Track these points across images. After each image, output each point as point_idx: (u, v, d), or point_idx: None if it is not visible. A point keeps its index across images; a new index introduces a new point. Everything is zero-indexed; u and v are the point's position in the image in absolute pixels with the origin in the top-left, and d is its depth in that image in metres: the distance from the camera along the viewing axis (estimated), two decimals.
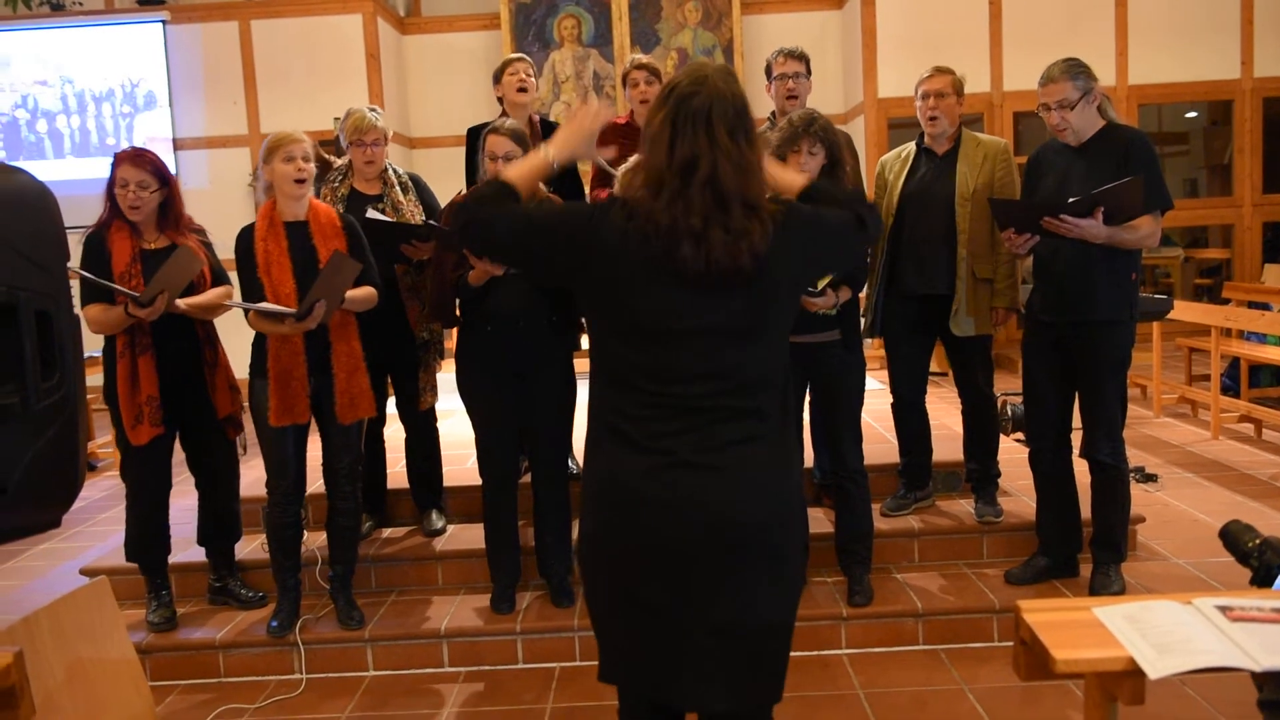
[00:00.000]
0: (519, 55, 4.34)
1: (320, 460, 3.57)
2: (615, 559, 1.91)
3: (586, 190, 4.60)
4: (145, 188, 3.43)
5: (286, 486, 3.49)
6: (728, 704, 1.91)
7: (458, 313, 3.60)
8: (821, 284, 3.33)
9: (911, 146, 3.98)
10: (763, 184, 1.89)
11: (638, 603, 1.89)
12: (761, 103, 8.42)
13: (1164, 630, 1.60)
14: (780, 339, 1.94)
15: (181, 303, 3.41)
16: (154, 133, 8.71)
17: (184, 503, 4.02)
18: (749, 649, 1.90)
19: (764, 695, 1.96)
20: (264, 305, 3.29)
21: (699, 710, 1.96)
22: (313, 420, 3.50)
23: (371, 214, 3.73)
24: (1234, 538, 2.18)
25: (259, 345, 3.43)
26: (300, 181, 3.36)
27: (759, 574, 1.88)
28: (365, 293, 3.46)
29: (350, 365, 3.45)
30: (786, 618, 1.97)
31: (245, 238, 3.43)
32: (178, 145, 8.74)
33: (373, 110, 3.89)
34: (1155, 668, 1.51)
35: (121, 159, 3.45)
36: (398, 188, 3.99)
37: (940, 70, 3.84)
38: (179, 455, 3.67)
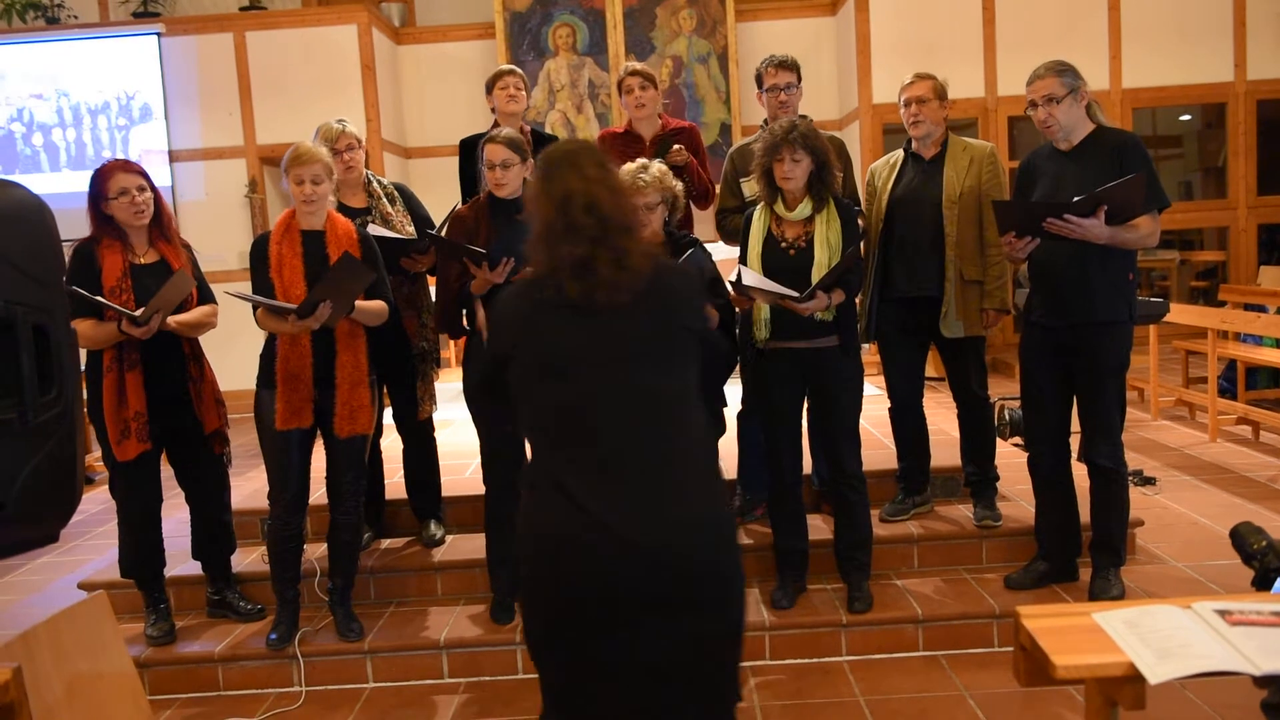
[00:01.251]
0: (509, 68, 4.35)
1: (324, 474, 3.56)
2: (556, 605, 1.92)
3: None
4: (144, 190, 3.45)
5: (289, 499, 3.48)
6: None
7: (464, 323, 3.61)
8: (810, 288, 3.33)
9: (900, 152, 4.01)
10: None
11: (588, 645, 1.90)
12: (754, 110, 8.41)
13: (1164, 635, 1.60)
14: (687, 369, 2.03)
15: (172, 320, 3.41)
16: (149, 145, 8.71)
17: (181, 515, 4.02)
18: (706, 671, 1.95)
19: (728, 699, 2.03)
20: (267, 301, 3.30)
21: None
22: (319, 435, 3.50)
23: (373, 230, 3.74)
24: (1242, 538, 2.20)
25: (268, 354, 3.44)
26: (310, 201, 3.39)
27: (706, 598, 1.91)
28: (376, 305, 3.45)
29: (354, 378, 3.44)
30: (738, 629, 2.02)
31: (261, 241, 3.46)
32: (173, 157, 8.75)
33: (339, 121, 3.92)
34: (1155, 673, 1.51)
35: (113, 169, 3.45)
36: (384, 199, 3.99)
37: (921, 76, 3.87)
38: (169, 470, 3.66)
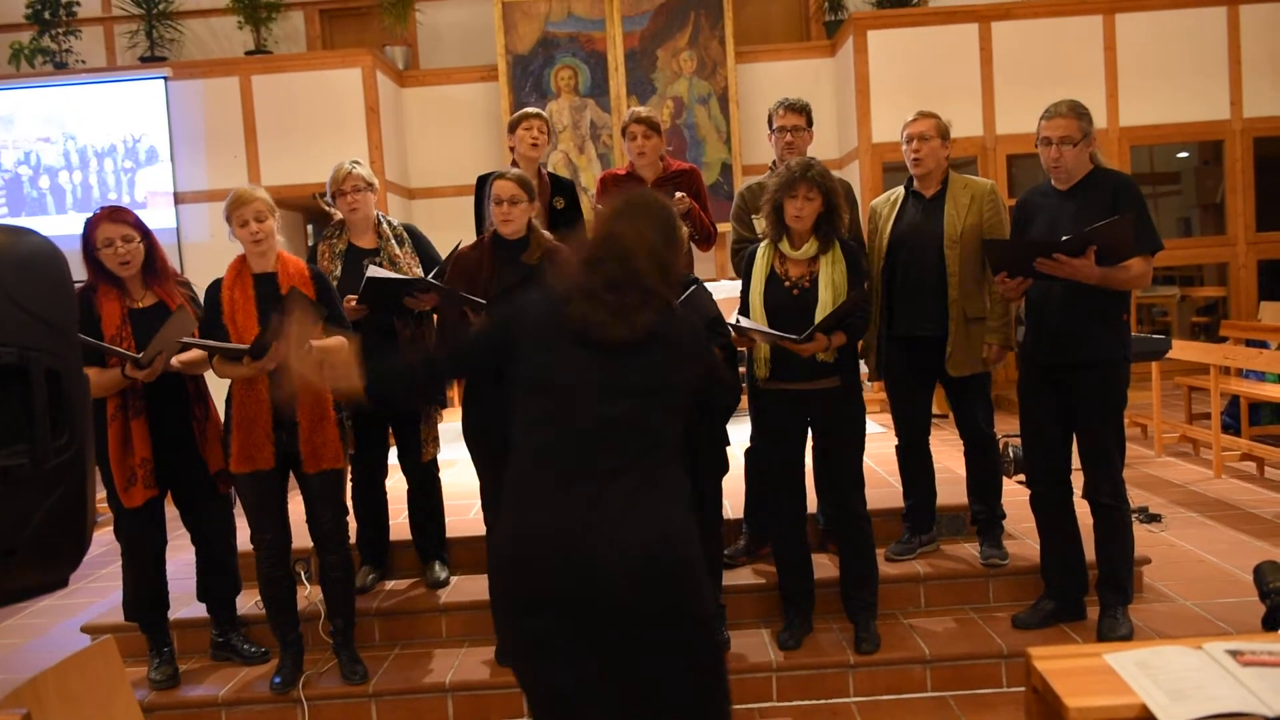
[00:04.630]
0: (535, 111, 4.36)
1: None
2: (523, 605, 2.07)
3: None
4: (130, 240, 3.43)
5: (269, 540, 3.47)
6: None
7: None
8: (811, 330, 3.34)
9: (900, 190, 4.03)
10: (668, 279, 2.21)
11: (559, 640, 2.02)
12: (761, 150, 8.46)
13: (1177, 676, 1.59)
14: (667, 420, 2.15)
15: (175, 360, 3.41)
16: (156, 187, 8.79)
17: (185, 557, 4.00)
18: (673, 683, 2.05)
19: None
20: (220, 344, 3.30)
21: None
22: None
23: (374, 271, 3.75)
24: (1262, 575, 2.20)
25: (229, 400, 3.44)
26: (258, 241, 3.41)
27: (653, 613, 2.01)
28: (336, 342, 3.46)
29: (316, 414, 3.41)
30: (698, 653, 2.08)
31: (214, 288, 3.47)
32: (179, 199, 8.81)
33: (352, 162, 3.95)
34: (1170, 714, 1.51)
35: (99, 219, 3.43)
36: (393, 240, 4.02)
37: (924, 114, 3.89)
38: (173, 510, 3.65)
